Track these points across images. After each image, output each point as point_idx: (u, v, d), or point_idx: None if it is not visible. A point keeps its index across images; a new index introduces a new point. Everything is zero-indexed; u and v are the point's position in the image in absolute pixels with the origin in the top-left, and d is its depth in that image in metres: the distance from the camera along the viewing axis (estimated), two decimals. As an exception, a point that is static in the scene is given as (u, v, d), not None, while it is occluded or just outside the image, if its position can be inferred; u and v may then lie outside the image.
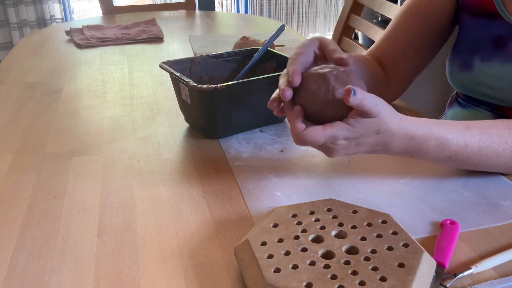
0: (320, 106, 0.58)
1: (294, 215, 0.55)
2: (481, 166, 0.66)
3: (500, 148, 0.63)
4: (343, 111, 0.57)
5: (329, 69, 0.59)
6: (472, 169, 0.68)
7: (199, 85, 0.76)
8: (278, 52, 0.93)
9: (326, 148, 0.59)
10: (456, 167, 0.70)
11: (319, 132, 0.56)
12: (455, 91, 0.93)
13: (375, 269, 0.47)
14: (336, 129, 0.56)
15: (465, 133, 0.63)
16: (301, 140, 0.57)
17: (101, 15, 2.00)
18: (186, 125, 0.89)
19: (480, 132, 0.63)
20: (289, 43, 1.43)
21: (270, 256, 0.49)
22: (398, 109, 0.90)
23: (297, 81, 0.59)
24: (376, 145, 0.59)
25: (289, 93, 0.59)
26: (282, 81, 0.62)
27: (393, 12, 1.44)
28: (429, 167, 0.72)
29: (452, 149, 0.62)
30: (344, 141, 0.57)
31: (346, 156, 0.64)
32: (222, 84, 0.76)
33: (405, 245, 0.50)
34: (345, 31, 1.69)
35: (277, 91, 0.65)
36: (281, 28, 0.92)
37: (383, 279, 0.45)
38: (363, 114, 0.56)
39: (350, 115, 0.57)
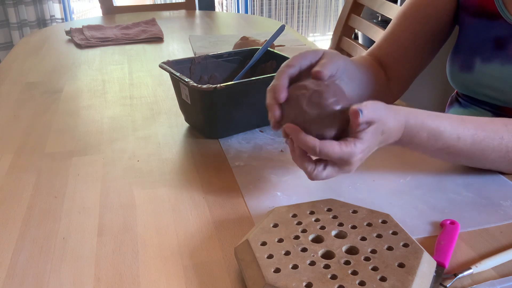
0: (300, 125, 0.57)
1: (294, 215, 0.56)
2: (476, 161, 0.66)
3: (495, 143, 0.63)
4: (321, 129, 0.56)
5: (304, 91, 0.57)
6: (468, 164, 0.68)
7: (199, 85, 0.76)
8: (278, 52, 0.93)
9: (344, 166, 0.57)
10: (453, 162, 0.70)
11: (335, 148, 0.55)
12: (455, 91, 0.93)
13: (375, 269, 0.47)
14: (351, 147, 0.55)
15: (459, 126, 0.63)
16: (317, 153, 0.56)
17: (101, 15, 2.00)
18: (186, 125, 0.89)
19: (474, 126, 0.63)
20: (289, 43, 1.43)
21: (270, 256, 0.49)
22: (398, 109, 0.90)
23: (283, 97, 0.58)
24: (380, 143, 0.59)
25: (278, 113, 0.59)
26: (268, 96, 0.60)
27: (393, 12, 1.44)
28: (429, 167, 0.72)
29: (444, 141, 0.62)
30: (361, 155, 0.57)
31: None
32: (222, 84, 0.76)
33: (405, 245, 0.50)
34: (345, 31, 1.69)
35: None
36: (281, 28, 0.92)
37: (383, 279, 0.45)
38: (369, 123, 0.55)
39: (356, 129, 0.56)
